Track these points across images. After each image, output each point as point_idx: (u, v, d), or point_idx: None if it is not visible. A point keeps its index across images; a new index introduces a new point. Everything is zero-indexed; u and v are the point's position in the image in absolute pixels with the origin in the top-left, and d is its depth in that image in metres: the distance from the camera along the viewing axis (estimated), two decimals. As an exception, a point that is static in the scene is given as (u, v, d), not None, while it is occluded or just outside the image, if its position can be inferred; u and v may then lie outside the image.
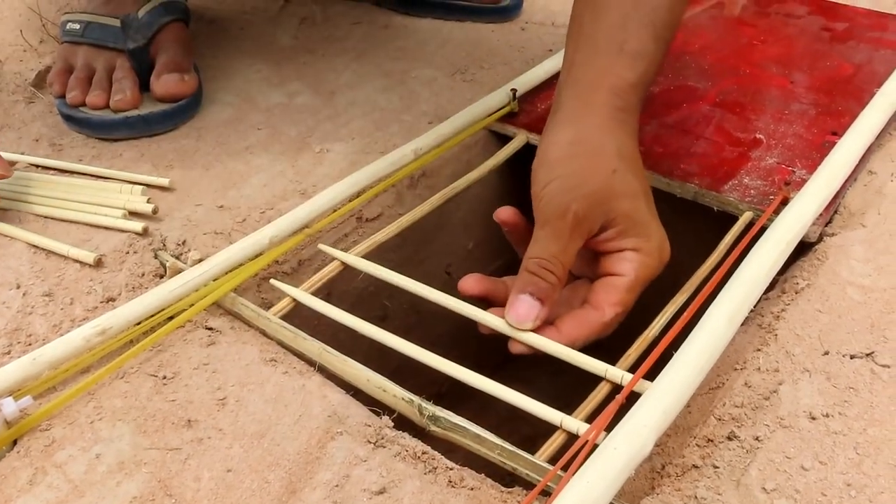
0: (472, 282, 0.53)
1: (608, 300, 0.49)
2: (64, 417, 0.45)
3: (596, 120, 0.52)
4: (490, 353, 0.84)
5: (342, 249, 0.57)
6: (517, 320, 0.49)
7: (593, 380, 0.47)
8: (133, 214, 0.60)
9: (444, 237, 0.59)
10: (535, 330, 0.49)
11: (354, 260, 0.56)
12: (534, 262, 0.49)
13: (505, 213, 0.55)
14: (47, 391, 0.46)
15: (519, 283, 0.49)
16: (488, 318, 0.50)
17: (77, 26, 0.75)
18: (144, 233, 0.58)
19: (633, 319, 0.52)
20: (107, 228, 0.59)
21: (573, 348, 0.48)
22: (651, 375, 0.44)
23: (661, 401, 0.40)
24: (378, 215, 0.64)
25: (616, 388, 0.45)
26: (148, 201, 0.61)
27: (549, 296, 0.49)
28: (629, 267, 0.50)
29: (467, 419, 0.44)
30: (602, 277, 0.51)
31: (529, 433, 0.48)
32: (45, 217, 0.61)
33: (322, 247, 0.58)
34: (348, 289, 0.64)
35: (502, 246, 0.80)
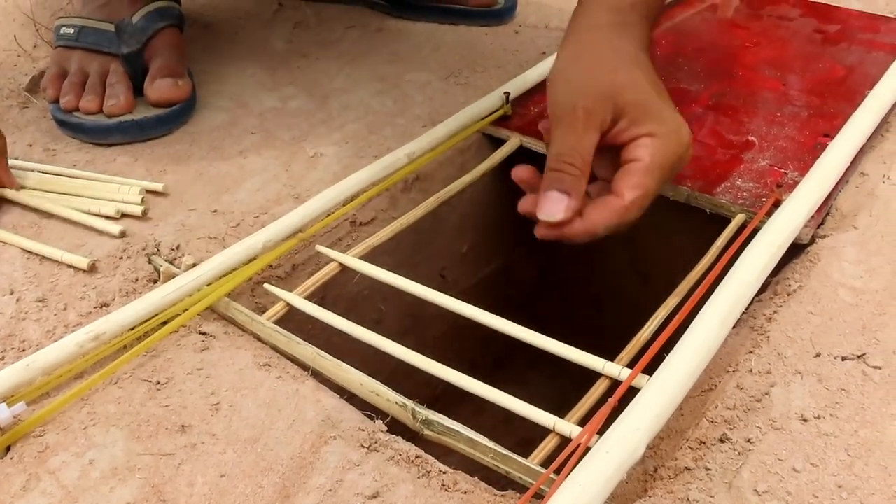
0: (523, 170, 0.55)
1: (626, 184, 0.50)
2: (57, 423, 0.45)
3: (597, 35, 0.55)
4: (486, 354, 0.84)
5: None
6: (548, 215, 0.50)
7: (590, 382, 0.47)
8: (126, 216, 0.60)
9: (439, 240, 0.59)
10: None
11: (352, 261, 0.56)
12: (554, 160, 0.51)
13: (522, 172, 0.56)
14: (41, 397, 0.46)
15: (545, 182, 0.51)
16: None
17: (71, 31, 0.75)
18: (121, 235, 0.58)
19: (627, 322, 0.52)
20: (98, 232, 0.59)
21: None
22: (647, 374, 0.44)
23: (652, 404, 0.40)
24: (372, 219, 0.64)
25: (609, 391, 0.45)
26: (142, 201, 0.61)
27: (573, 187, 0.50)
28: (644, 151, 0.50)
29: (463, 422, 0.44)
30: (622, 166, 0.52)
31: (526, 436, 0.48)
32: (37, 210, 0.61)
33: (319, 248, 0.58)
34: (343, 293, 0.64)
35: (497, 249, 0.80)
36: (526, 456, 0.42)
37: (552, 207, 0.50)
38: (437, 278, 0.73)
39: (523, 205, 0.53)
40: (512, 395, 0.45)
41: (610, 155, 0.53)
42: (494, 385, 0.47)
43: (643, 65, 0.54)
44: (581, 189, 0.50)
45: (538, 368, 0.83)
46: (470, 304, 0.52)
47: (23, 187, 0.63)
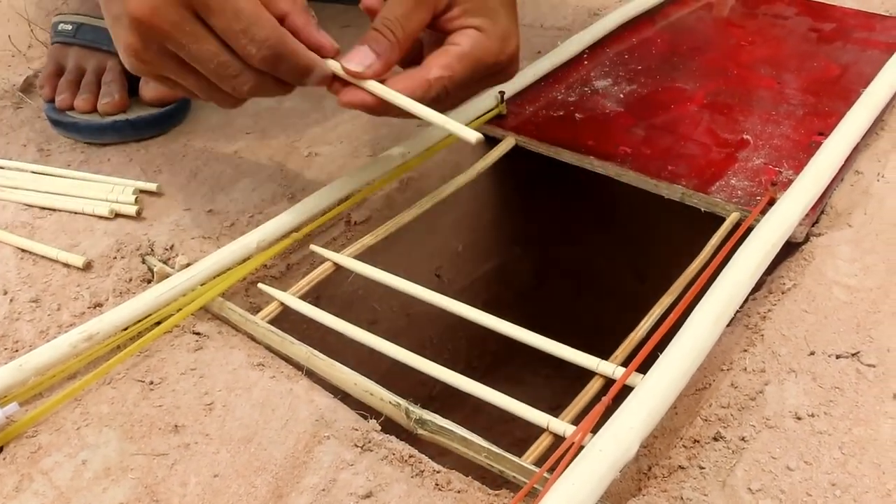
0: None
1: (437, 62, 0.51)
2: (50, 424, 0.44)
3: None
4: (482, 353, 0.85)
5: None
6: (350, 64, 0.50)
7: (587, 380, 0.47)
8: (120, 216, 0.60)
9: (434, 240, 0.59)
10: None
11: (347, 261, 0.56)
12: (378, 22, 0.51)
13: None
14: (34, 397, 0.46)
15: (363, 38, 0.51)
16: (330, 64, 0.51)
17: (69, 27, 0.75)
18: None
19: (624, 320, 0.52)
20: (91, 232, 0.59)
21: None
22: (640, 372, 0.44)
23: (646, 402, 0.40)
24: (367, 219, 0.64)
25: (603, 389, 0.45)
26: (136, 201, 0.61)
27: (384, 51, 0.50)
28: (466, 40, 0.51)
29: (461, 421, 0.44)
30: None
31: (522, 435, 0.48)
32: (31, 206, 0.61)
33: (314, 247, 0.58)
34: (337, 292, 0.64)
35: (492, 248, 0.80)
36: (521, 455, 0.42)
37: (357, 58, 0.50)
38: (433, 278, 0.73)
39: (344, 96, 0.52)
40: (509, 394, 0.45)
41: (435, 38, 0.53)
42: (491, 384, 0.47)
43: None
44: (392, 58, 0.51)
45: (535, 367, 0.84)
46: (465, 303, 0.52)
47: (14, 188, 0.63)
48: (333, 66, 0.51)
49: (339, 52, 0.51)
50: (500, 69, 0.54)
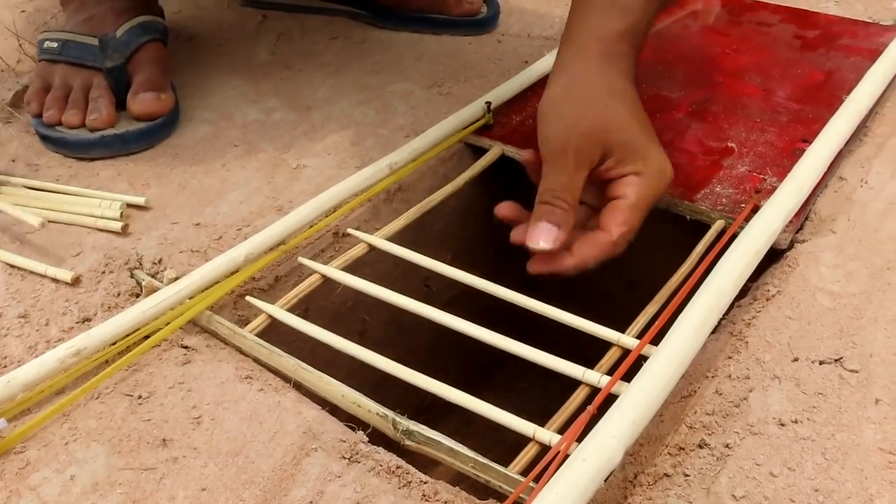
0: (506, 207, 0.58)
1: (614, 220, 0.53)
2: (39, 439, 0.45)
3: (588, 66, 0.57)
4: (474, 363, 0.85)
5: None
6: (537, 245, 0.53)
7: (572, 389, 0.47)
8: (107, 231, 0.61)
9: (423, 250, 0.59)
10: (553, 256, 0.53)
11: (335, 272, 0.56)
12: (546, 194, 0.53)
13: (504, 209, 0.59)
14: (22, 413, 0.46)
15: (535, 214, 0.54)
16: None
17: (55, 44, 0.75)
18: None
19: (613, 328, 0.52)
20: (80, 246, 0.59)
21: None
22: (626, 380, 0.45)
23: (629, 411, 0.41)
24: (355, 230, 0.64)
25: (589, 398, 0.46)
26: (121, 216, 0.61)
27: (563, 220, 0.53)
28: (631, 190, 0.54)
29: (452, 430, 0.44)
30: (608, 203, 0.54)
31: (513, 443, 0.48)
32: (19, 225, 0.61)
33: (302, 260, 0.58)
34: (326, 304, 0.64)
35: (481, 258, 0.80)
36: (508, 464, 0.42)
37: (541, 237, 0.53)
38: (422, 288, 0.74)
39: (516, 235, 0.56)
40: (500, 402, 0.46)
41: (595, 185, 0.55)
42: (482, 393, 0.47)
43: (631, 100, 0.57)
44: (570, 223, 0.53)
45: (526, 376, 0.84)
46: (456, 313, 0.52)
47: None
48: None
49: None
50: (662, 195, 0.56)
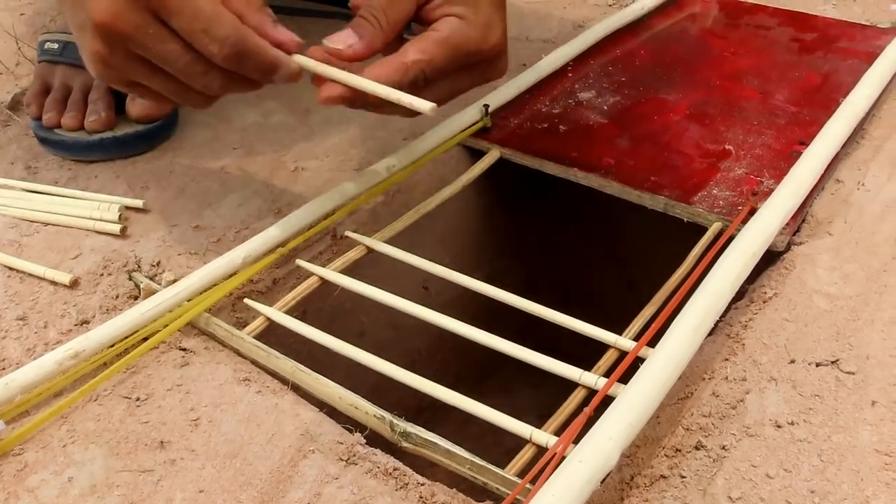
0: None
1: (415, 46, 0.51)
2: (37, 441, 0.45)
3: None
4: (472, 364, 0.85)
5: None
6: (332, 41, 0.51)
7: (570, 391, 0.47)
8: (105, 234, 0.61)
9: (421, 253, 0.59)
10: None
11: (333, 275, 0.56)
12: (363, 10, 0.52)
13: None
14: (20, 415, 0.46)
15: (348, 25, 0.52)
16: (300, 59, 0.51)
17: (56, 46, 0.75)
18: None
19: (612, 330, 0.52)
20: (78, 249, 0.59)
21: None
22: (623, 382, 0.45)
23: (626, 413, 0.41)
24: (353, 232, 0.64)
25: (586, 400, 0.46)
26: (120, 218, 0.61)
27: (367, 35, 0.51)
28: (446, 26, 0.52)
29: (451, 431, 0.44)
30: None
31: (512, 445, 0.48)
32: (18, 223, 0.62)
33: (300, 262, 0.58)
34: (324, 306, 0.64)
35: (480, 259, 0.80)
36: (505, 466, 0.42)
37: (339, 38, 0.51)
38: (420, 291, 0.74)
39: (324, 90, 0.52)
40: (499, 404, 0.46)
41: (421, 30, 0.53)
42: (481, 394, 0.47)
43: None
44: (374, 43, 0.51)
45: (525, 377, 0.84)
46: (454, 315, 0.52)
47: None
48: (303, 60, 0.51)
49: (303, 47, 0.51)
50: (485, 59, 0.54)
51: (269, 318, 0.54)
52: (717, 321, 0.50)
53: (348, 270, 0.57)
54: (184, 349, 0.51)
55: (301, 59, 0.51)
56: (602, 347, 0.50)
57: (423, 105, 0.49)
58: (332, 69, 0.51)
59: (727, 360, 0.49)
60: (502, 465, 0.42)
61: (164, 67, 0.48)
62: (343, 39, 0.51)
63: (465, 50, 0.52)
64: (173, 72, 0.48)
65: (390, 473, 0.43)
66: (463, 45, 0.52)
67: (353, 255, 0.59)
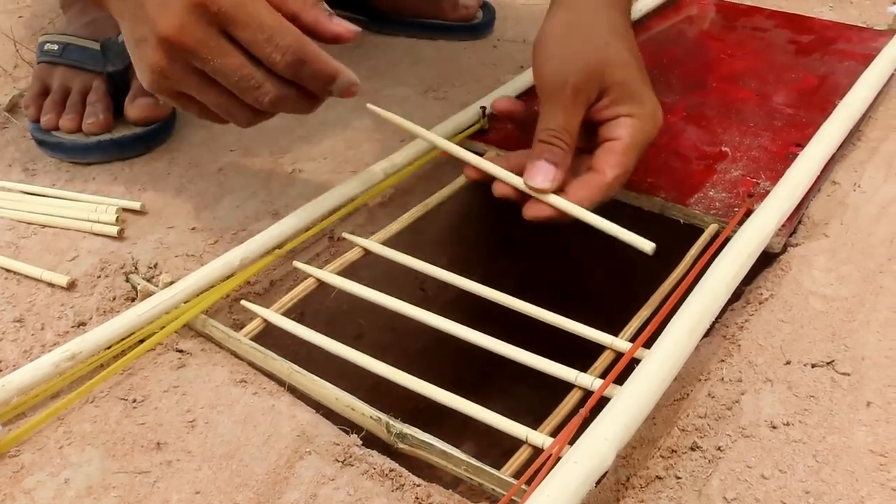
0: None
1: (608, 162, 0.53)
2: (33, 443, 0.45)
3: (590, 1, 0.57)
4: (471, 366, 0.85)
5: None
6: (535, 183, 0.53)
7: (569, 391, 0.47)
8: (102, 236, 0.61)
9: (417, 255, 0.59)
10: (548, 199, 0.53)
11: (330, 277, 0.56)
12: (545, 133, 0.54)
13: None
14: (16, 417, 0.46)
15: (534, 152, 0.54)
16: (508, 177, 0.54)
17: (55, 47, 0.75)
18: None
19: (608, 331, 0.52)
20: (76, 251, 0.59)
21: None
22: (619, 383, 0.45)
23: (621, 414, 0.41)
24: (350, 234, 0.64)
25: (582, 401, 0.46)
26: (117, 220, 0.62)
27: (562, 160, 0.53)
28: (624, 131, 0.54)
29: (449, 433, 0.44)
30: (602, 144, 0.54)
31: (510, 447, 0.49)
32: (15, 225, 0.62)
33: (297, 264, 0.58)
34: (322, 308, 0.64)
35: (477, 261, 0.80)
36: (501, 467, 0.42)
37: (539, 175, 0.53)
38: (417, 292, 0.74)
39: (499, 188, 0.55)
40: (496, 406, 0.46)
41: (586, 125, 0.55)
42: (480, 396, 0.47)
43: (630, 40, 0.56)
44: (568, 163, 0.53)
45: (523, 379, 0.84)
46: (451, 316, 0.52)
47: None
48: (515, 179, 0.54)
49: (359, 35, 0.53)
50: (652, 139, 0.56)
51: (266, 320, 0.54)
52: (714, 322, 0.50)
53: (346, 272, 0.57)
54: (181, 351, 0.51)
55: (516, 179, 0.54)
56: (598, 349, 0.50)
57: (645, 245, 0.51)
58: (551, 196, 0.53)
59: (723, 361, 0.49)
60: (499, 467, 0.42)
61: (220, 80, 0.49)
62: (544, 175, 0.53)
63: (645, 143, 0.54)
64: (227, 84, 0.49)
65: (386, 475, 0.43)
66: (644, 141, 0.54)
67: (350, 256, 0.59)
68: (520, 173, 0.55)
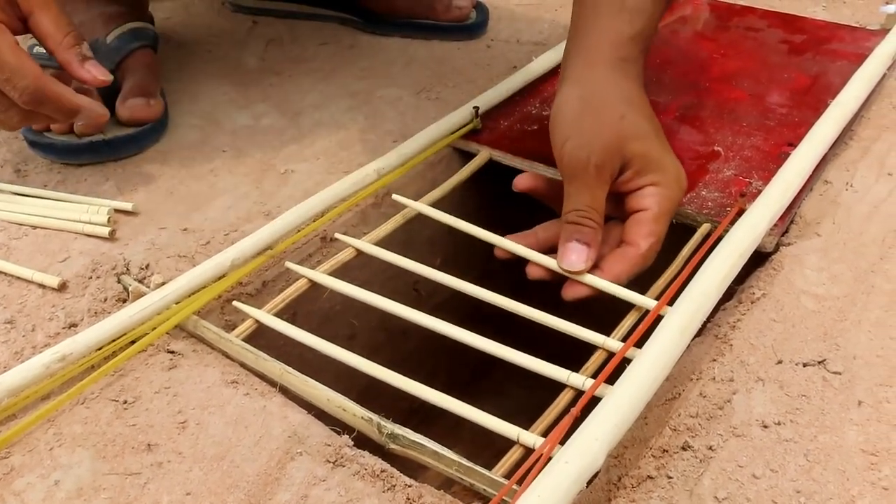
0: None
1: (640, 233, 0.53)
2: (23, 445, 0.45)
3: (600, 73, 0.57)
4: (464, 366, 0.85)
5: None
6: (570, 265, 0.53)
7: (561, 391, 0.47)
8: (94, 237, 0.61)
9: (411, 255, 0.59)
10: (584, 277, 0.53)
11: (322, 277, 0.56)
12: (573, 215, 0.54)
13: (523, 182, 0.60)
14: (7, 419, 0.46)
15: (564, 233, 0.54)
16: (541, 259, 0.55)
17: (44, 49, 0.75)
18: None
19: (602, 330, 0.52)
20: (67, 252, 0.59)
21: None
22: (610, 383, 0.45)
23: (612, 414, 0.41)
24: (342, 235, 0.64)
25: (573, 401, 0.46)
26: (108, 221, 0.61)
27: (592, 239, 0.53)
28: (651, 200, 0.54)
29: (442, 433, 0.44)
30: (631, 215, 0.54)
31: (503, 447, 0.48)
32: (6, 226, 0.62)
33: (289, 265, 0.58)
34: (314, 309, 0.64)
35: (470, 261, 0.80)
36: (493, 467, 0.42)
37: (573, 257, 0.53)
38: (410, 292, 0.74)
39: (533, 270, 0.56)
40: (489, 406, 0.46)
41: (614, 196, 0.55)
42: (473, 396, 0.47)
43: (645, 108, 0.57)
44: (598, 241, 0.54)
45: (516, 379, 0.84)
46: (444, 317, 0.52)
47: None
48: (549, 261, 0.55)
49: (108, 82, 0.60)
50: (680, 201, 0.56)
51: (258, 321, 0.53)
52: (705, 322, 0.50)
53: (338, 273, 0.57)
54: (172, 352, 0.51)
55: (548, 261, 0.55)
56: (590, 348, 0.50)
57: None
58: (587, 276, 0.53)
59: (715, 360, 0.49)
60: (491, 467, 0.42)
61: None
62: (577, 257, 0.53)
63: (673, 209, 0.55)
64: None
65: (378, 475, 0.43)
66: (671, 207, 0.54)
67: (342, 257, 0.59)
68: (548, 249, 0.56)
